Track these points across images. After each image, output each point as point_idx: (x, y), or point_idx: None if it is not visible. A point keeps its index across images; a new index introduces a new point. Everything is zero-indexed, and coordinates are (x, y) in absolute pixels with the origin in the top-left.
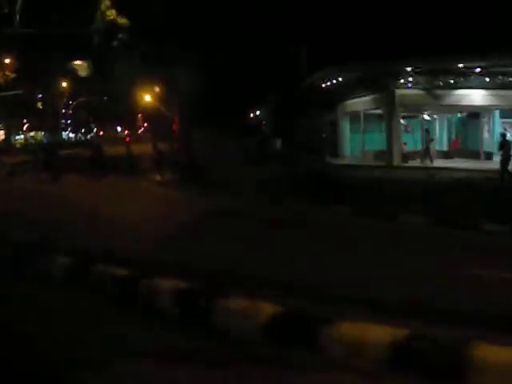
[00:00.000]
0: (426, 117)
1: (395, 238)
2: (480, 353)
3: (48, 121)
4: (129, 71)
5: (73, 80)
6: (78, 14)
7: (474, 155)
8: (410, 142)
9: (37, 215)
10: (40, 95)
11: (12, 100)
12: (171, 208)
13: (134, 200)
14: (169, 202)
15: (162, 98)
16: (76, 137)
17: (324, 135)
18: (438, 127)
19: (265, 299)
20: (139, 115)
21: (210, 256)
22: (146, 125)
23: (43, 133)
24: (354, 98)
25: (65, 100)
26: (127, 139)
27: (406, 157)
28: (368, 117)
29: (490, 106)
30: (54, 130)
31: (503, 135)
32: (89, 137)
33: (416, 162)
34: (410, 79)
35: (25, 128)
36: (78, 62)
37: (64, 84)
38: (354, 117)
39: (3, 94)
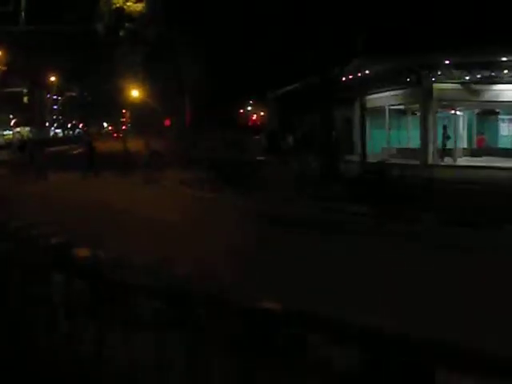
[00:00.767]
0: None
1: None
2: None
3: (35, 116)
4: (130, 65)
5: (61, 75)
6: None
7: (502, 153)
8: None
9: None
10: (25, 90)
11: None
12: (217, 215)
13: (165, 205)
14: (210, 207)
15: (153, 94)
16: (63, 133)
17: (333, 132)
18: (462, 124)
19: None
20: (125, 111)
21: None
22: (129, 120)
23: (29, 128)
24: (375, 93)
25: (53, 95)
26: (115, 135)
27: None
28: (383, 112)
29: None
30: (41, 125)
31: None
32: (76, 133)
33: (449, 161)
34: (447, 73)
35: (12, 123)
36: None
37: (52, 78)
38: (374, 113)
39: None
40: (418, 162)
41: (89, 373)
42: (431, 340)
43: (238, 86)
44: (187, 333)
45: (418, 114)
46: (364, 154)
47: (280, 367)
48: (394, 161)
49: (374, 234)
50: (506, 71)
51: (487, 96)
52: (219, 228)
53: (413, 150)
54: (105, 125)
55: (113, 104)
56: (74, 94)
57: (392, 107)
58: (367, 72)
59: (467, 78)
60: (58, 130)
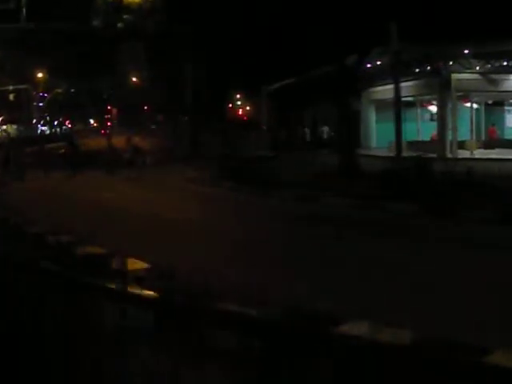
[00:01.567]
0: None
1: None
2: None
3: (22, 114)
4: (127, 59)
5: (50, 72)
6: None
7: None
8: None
9: None
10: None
11: None
12: (242, 214)
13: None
14: (234, 206)
15: (148, 89)
16: (50, 130)
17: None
18: (472, 115)
19: None
20: (111, 107)
21: None
22: (117, 117)
23: (15, 126)
24: (382, 84)
25: (39, 93)
26: (103, 132)
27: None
28: (391, 105)
29: None
30: (27, 123)
31: None
32: (63, 130)
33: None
34: (465, 63)
35: None
36: None
37: (40, 75)
38: (381, 105)
39: None
40: (431, 155)
41: None
42: None
43: (232, 77)
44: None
45: (428, 105)
46: (399, 149)
47: None
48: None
49: (435, 238)
50: None
51: (505, 86)
52: (261, 235)
53: (424, 143)
54: (91, 121)
55: (101, 101)
56: (59, 90)
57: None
58: (378, 63)
59: (486, 67)
60: (44, 128)
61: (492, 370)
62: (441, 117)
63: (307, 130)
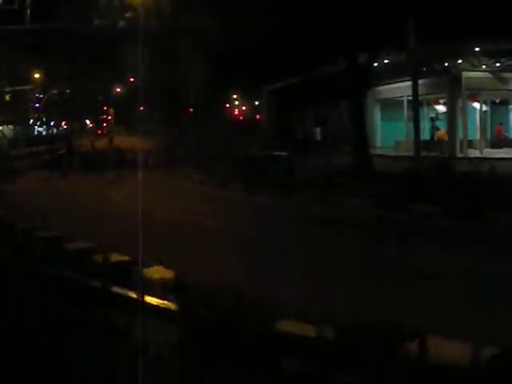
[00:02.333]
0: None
1: None
2: None
3: (17, 114)
4: (128, 58)
5: (47, 73)
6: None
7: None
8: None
9: None
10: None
11: None
12: (270, 219)
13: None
14: (258, 210)
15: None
16: (47, 131)
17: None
18: (479, 114)
19: None
20: (107, 108)
21: None
22: (114, 118)
23: (12, 127)
24: (387, 83)
25: (35, 93)
26: (99, 132)
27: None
28: (396, 104)
29: None
30: (25, 124)
31: None
32: (59, 130)
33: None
34: (475, 61)
35: None
36: None
37: (36, 75)
38: (386, 104)
39: None
40: (440, 155)
41: None
42: None
43: (233, 77)
44: None
45: (436, 104)
46: (418, 150)
47: None
48: (402, 153)
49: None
50: None
51: None
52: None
53: (431, 142)
54: (87, 122)
55: (97, 101)
56: (55, 91)
57: (397, 99)
58: (386, 61)
59: (496, 65)
60: (40, 129)
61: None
62: (450, 115)
63: (317, 130)
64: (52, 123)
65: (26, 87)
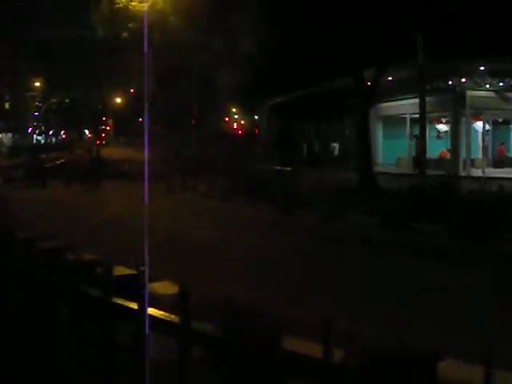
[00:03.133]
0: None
1: None
2: None
3: (18, 123)
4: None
5: (47, 82)
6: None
7: None
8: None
9: None
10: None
11: None
12: (275, 236)
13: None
14: (263, 226)
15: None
16: (45, 140)
17: (333, 145)
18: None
19: None
20: (105, 118)
21: None
22: (112, 128)
23: (10, 135)
24: (391, 100)
25: (35, 101)
26: (98, 143)
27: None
28: (398, 121)
29: None
30: (24, 132)
31: None
32: (58, 139)
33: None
34: (479, 80)
35: None
36: None
37: (37, 84)
38: (388, 121)
39: None
40: (441, 173)
41: None
42: None
43: (233, 91)
44: None
45: (438, 123)
46: (423, 167)
47: None
48: (404, 171)
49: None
50: None
51: None
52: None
53: (432, 161)
54: (86, 132)
55: (96, 111)
56: (54, 100)
57: (400, 116)
58: (390, 78)
59: (500, 84)
60: (39, 137)
61: None
62: (454, 134)
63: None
64: (51, 132)
65: (29, 94)
